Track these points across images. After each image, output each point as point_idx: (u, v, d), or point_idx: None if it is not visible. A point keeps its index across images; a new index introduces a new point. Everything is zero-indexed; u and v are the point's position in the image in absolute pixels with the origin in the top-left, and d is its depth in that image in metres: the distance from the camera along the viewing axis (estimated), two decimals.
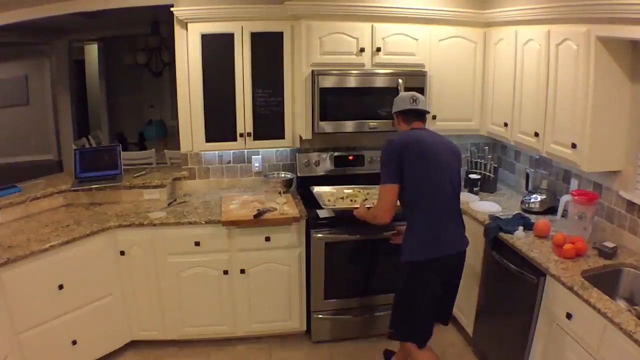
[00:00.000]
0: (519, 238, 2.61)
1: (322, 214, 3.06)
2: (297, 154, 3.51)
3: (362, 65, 3.12)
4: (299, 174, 3.51)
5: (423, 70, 3.19)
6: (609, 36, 2.21)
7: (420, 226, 2.36)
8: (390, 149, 2.39)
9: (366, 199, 3.08)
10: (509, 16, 2.95)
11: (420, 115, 2.53)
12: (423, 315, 2.44)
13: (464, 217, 3.13)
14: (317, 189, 3.24)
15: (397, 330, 2.52)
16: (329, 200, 3.11)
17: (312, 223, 3.01)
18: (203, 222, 2.95)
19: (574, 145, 2.46)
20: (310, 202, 3.23)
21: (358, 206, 2.75)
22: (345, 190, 3.25)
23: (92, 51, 8.44)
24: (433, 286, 2.37)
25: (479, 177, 3.44)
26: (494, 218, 2.86)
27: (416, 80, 3.14)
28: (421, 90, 3.16)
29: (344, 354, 3.14)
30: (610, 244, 2.38)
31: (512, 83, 2.99)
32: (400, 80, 3.10)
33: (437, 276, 2.37)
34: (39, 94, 8.42)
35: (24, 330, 2.53)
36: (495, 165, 3.51)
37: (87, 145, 5.68)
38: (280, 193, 3.25)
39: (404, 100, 2.54)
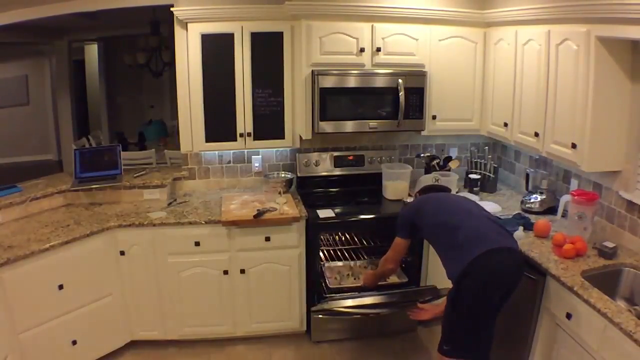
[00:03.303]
0: (519, 238, 2.61)
1: (322, 214, 3.06)
2: (297, 154, 3.51)
3: (362, 65, 3.12)
4: (299, 174, 3.51)
5: (423, 70, 3.19)
6: (609, 36, 2.21)
7: (453, 247, 2.23)
8: (408, 208, 2.64)
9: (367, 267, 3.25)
10: (509, 16, 2.95)
11: (440, 191, 2.77)
12: (478, 333, 2.23)
13: None
14: (327, 265, 3.31)
15: (451, 348, 2.27)
16: (335, 278, 3.17)
17: (313, 223, 3.02)
18: (203, 222, 2.95)
19: (574, 145, 2.46)
20: (311, 202, 3.23)
21: (361, 283, 2.98)
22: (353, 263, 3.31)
23: (92, 51, 8.45)
24: (489, 295, 2.14)
25: (479, 177, 3.44)
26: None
27: (416, 80, 3.14)
28: (421, 90, 3.17)
29: (344, 354, 3.14)
30: (610, 244, 2.39)
31: (512, 83, 2.99)
32: (400, 80, 3.10)
33: (488, 282, 2.12)
34: (39, 94, 8.42)
35: (24, 330, 2.53)
36: (495, 165, 3.51)
37: (87, 145, 5.68)
38: (280, 193, 3.26)
39: (426, 180, 3.06)
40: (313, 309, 3.02)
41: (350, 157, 3.55)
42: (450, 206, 2.45)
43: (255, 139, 3.27)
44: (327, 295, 3.00)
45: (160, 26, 5.95)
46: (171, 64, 5.78)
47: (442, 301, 2.59)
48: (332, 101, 3.08)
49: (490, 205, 3.14)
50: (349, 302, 2.87)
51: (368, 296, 2.89)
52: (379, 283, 2.93)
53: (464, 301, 2.17)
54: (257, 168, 3.59)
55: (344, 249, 3.34)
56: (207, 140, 3.25)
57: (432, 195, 2.66)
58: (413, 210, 2.55)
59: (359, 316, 3.04)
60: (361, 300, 2.88)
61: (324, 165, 3.53)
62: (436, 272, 3.26)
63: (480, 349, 2.28)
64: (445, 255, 2.34)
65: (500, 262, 2.12)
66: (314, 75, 3.04)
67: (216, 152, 3.48)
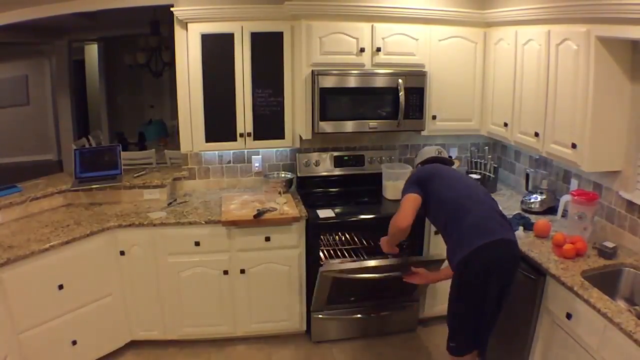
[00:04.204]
0: (519, 238, 2.60)
1: (322, 214, 3.06)
2: (297, 154, 3.51)
3: (362, 65, 3.12)
4: (299, 174, 3.51)
5: (423, 70, 3.19)
6: (609, 36, 2.21)
7: (457, 230, 2.27)
8: (411, 176, 2.57)
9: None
10: (509, 16, 2.95)
11: (443, 163, 2.66)
12: (480, 324, 2.29)
13: None
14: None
15: (457, 345, 2.33)
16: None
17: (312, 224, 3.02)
18: (203, 222, 2.95)
19: (574, 145, 2.46)
20: (311, 202, 3.23)
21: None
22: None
23: (92, 51, 8.45)
24: (489, 286, 2.20)
25: (479, 177, 3.43)
26: None
27: (416, 80, 3.14)
28: (421, 90, 3.17)
29: (344, 354, 3.14)
30: (610, 244, 2.39)
31: (512, 83, 2.99)
32: (400, 80, 3.10)
33: (489, 273, 2.18)
34: (39, 94, 8.42)
35: (24, 330, 2.53)
36: (495, 165, 3.51)
37: (87, 145, 5.68)
38: (280, 193, 3.25)
39: (429, 152, 2.76)
40: (322, 269, 2.84)
41: (351, 157, 3.55)
42: (464, 186, 2.43)
43: (255, 139, 3.27)
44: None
45: (160, 26, 5.96)
46: (171, 64, 5.78)
47: (437, 269, 2.71)
48: (332, 101, 3.08)
49: None
50: (352, 265, 2.89)
51: (371, 259, 2.91)
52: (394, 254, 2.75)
53: (465, 292, 2.24)
54: (257, 168, 3.59)
55: (344, 249, 3.34)
56: (207, 140, 3.25)
57: (445, 168, 2.58)
58: (426, 173, 2.51)
59: (362, 278, 2.89)
60: (363, 262, 2.89)
61: (324, 165, 3.53)
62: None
63: (481, 341, 2.35)
64: (449, 233, 2.35)
65: (497, 253, 2.20)
66: (314, 75, 3.04)
67: (216, 152, 3.48)
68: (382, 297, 3.19)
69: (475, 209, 2.29)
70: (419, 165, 2.75)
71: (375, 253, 3.20)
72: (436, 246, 3.19)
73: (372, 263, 2.86)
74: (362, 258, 3.21)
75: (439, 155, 2.72)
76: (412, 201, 2.43)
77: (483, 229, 2.22)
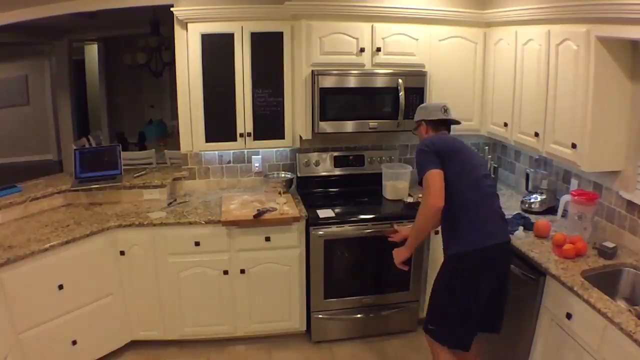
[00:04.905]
0: (519, 238, 2.61)
1: (322, 214, 3.06)
2: (297, 154, 3.51)
3: (362, 65, 3.12)
4: (299, 174, 3.51)
5: (423, 70, 3.19)
6: (609, 36, 2.21)
7: (465, 219, 2.25)
8: (428, 146, 2.33)
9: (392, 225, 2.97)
10: (509, 16, 2.95)
11: (448, 125, 2.55)
12: (467, 320, 2.28)
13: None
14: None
15: (436, 329, 2.36)
16: None
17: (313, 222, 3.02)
18: (203, 222, 2.95)
19: (574, 145, 2.46)
20: (311, 202, 3.23)
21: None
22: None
23: (92, 51, 8.46)
24: (481, 285, 2.22)
25: None
26: None
27: (416, 80, 3.15)
28: (421, 91, 3.17)
29: (344, 354, 3.14)
30: (610, 244, 2.38)
31: (512, 83, 2.99)
32: (400, 80, 3.10)
33: (483, 273, 2.22)
34: (39, 94, 8.42)
35: (24, 330, 2.53)
36: (495, 165, 3.51)
37: (87, 145, 5.67)
38: (280, 193, 3.25)
39: (435, 109, 2.54)
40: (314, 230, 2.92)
41: (351, 157, 3.55)
42: (477, 177, 2.31)
43: (255, 139, 3.27)
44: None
45: (160, 26, 5.96)
46: (171, 64, 5.78)
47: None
48: (332, 101, 3.08)
49: None
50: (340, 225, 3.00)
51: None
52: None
53: (457, 286, 2.26)
54: (257, 168, 3.59)
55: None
56: (207, 140, 3.25)
57: (466, 147, 2.41)
58: (447, 148, 2.32)
59: (351, 236, 3.03)
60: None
61: (324, 165, 3.53)
62: None
63: (465, 335, 2.37)
64: (451, 218, 2.28)
65: (494, 255, 2.24)
66: (314, 75, 3.04)
67: (216, 152, 3.48)
68: (380, 287, 3.19)
69: (484, 202, 2.29)
70: (424, 122, 2.54)
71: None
72: (437, 247, 3.19)
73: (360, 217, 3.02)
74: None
75: (449, 117, 2.52)
76: (440, 178, 2.23)
77: (485, 229, 2.23)
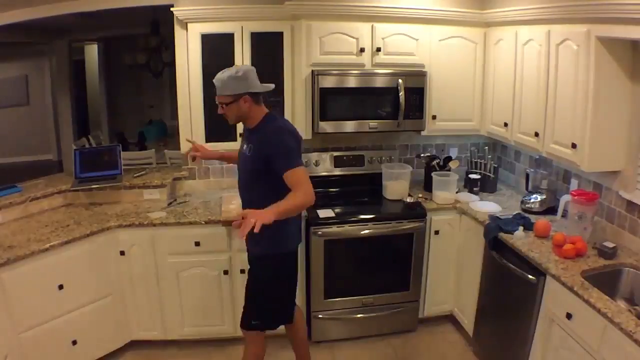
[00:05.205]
0: (519, 238, 2.61)
1: (322, 214, 3.06)
2: None
3: (362, 65, 3.12)
4: None
5: (423, 70, 3.19)
6: (609, 36, 2.21)
7: (290, 222, 2.36)
8: (291, 135, 2.26)
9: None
10: (509, 16, 2.95)
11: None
12: (290, 299, 2.59)
13: (464, 217, 3.15)
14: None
15: (263, 321, 2.54)
16: None
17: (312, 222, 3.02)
18: (203, 222, 2.95)
19: (574, 145, 2.46)
20: None
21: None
22: None
23: (92, 51, 8.45)
24: (296, 271, 2.55)
25: (479, 177, 3.44)
26: (493, 218, 2.86)
27: (416, 80, 3.15)
28: (421, 91, 3.17)
29: (344, 354, 3.14)
30: (610, 244, 2.39)
31: (512, 83, 2.99)
32: (400, 80, 3.10)
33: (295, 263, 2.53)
34: (39, 94, 8.43)
35: (24, 330, 2.53)
36: (495, 165, 3.51)
37: (87, 145, 5.68)
38: None
39: (255, 78, 2.25)
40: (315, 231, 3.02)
41: (350, 157, 3.55)
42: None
43: None
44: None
45: (160, 26, 5.95)
46: (171, 64, 5.78)
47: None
48: (332, 101, 3.08)
49: (490, 205, 3.14)
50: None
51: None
52: None
53: (287, 276, 2.49)
54: None
55: None
56: (207, 140, 3.24)
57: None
58: (298, 144, 2.31)
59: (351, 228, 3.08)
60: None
61: (324, 165, 3.53)
62: (437, 288, 3.27)
63: (287, 315, 2.61)
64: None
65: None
66: (314, 75, 3.04)
67: None
68: (380, 287, 3.18)
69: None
70: (246, 95, 2.22)
71: None
72: (437, 246, 3.20)
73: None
74: None
75: (267, 89, 2.31)
76: (307, 174, 2.21)
77: (299, 228, 2.55)
